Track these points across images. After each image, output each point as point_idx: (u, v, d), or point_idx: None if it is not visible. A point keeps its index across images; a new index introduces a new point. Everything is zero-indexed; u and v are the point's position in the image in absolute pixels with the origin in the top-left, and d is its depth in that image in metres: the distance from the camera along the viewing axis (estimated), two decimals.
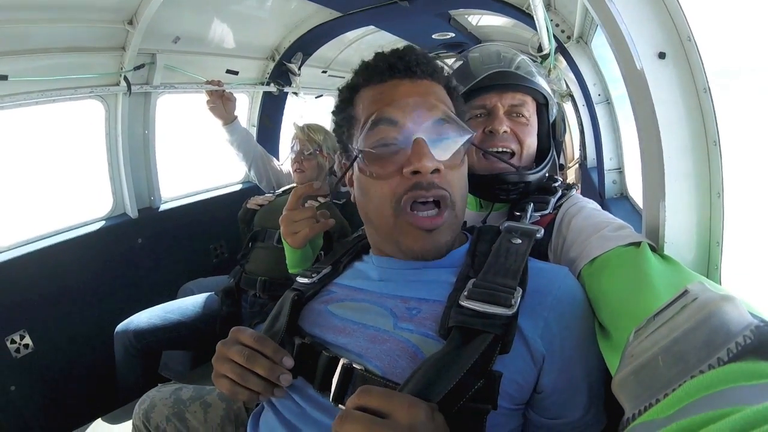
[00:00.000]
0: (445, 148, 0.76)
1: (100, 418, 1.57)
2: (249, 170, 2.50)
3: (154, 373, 1.90)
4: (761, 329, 0.36)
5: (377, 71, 0.80)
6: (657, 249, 0.76)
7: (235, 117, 2.31)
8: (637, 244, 0.74)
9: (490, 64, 1.03)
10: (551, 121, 1.07)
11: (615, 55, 0.92)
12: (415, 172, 0.73)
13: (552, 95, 1.06)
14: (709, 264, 0.81)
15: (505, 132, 0.98)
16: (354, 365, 0.66)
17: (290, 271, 1.11)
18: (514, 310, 0.64)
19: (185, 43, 2.25)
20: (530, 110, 1.02)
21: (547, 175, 1.05)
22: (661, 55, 0.81)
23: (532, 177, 0.99)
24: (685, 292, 0.44)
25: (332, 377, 0.67)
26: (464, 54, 1.11)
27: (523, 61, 1.05)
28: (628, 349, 0.45)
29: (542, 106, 1.05)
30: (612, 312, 0.66)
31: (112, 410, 1.62)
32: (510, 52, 1.08)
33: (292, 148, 2.07)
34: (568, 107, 3.12)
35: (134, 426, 1.05)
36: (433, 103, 0.76)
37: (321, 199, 1.93)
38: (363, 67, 0.84)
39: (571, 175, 3.66)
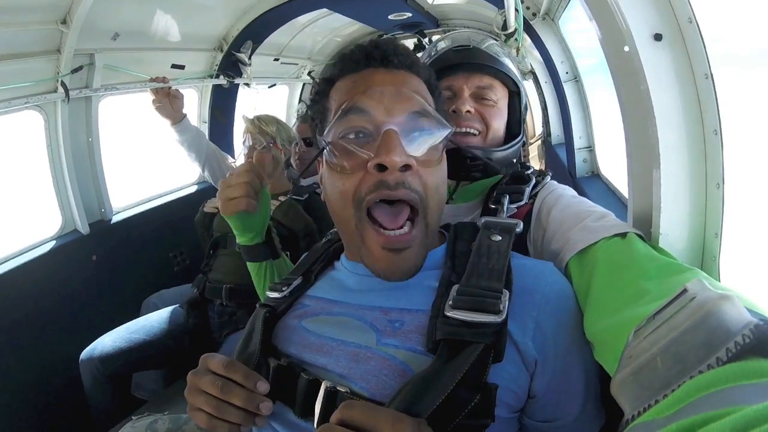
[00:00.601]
0: (420, 142, 0.70)
1: None
2: (203, 170, 2.40)
3: (127, 395, 1.81)
4: (760, 328, 0.36)
5: (353, 60, 0.76)
6: (644, 239, 0.74)
7: (184, 115, 2.21)
8: (623, 235, 0.73)
9: (459, 45, 1.04)
10: (524, 111, 1.07)
11: (599, 34, 0.88)
12: (382, 168, 0.66)
13: (521, 82, 1.06)
14: (704, 255, 0.80)
15: (468, 112, 0.98)
16: (338, 388, 0.61)
17: (240, 241, 1.04)
18: (504, 316, 0.61)
19: (125, 40, 2.09)
20: (498, 94, 1.01)
21: (517, 162, 1.06)
22: (657, 37, 0.77)
23: (495, 154, 0.98)
24: (684, 291, 0.43)
25: (314, 401, 0.62)
26: (435, 40, 1.12)
27: (492, 44, 1.05)
28: (627, 349, 0.45)
29: (514, 94, 1.05)
30: (607, 317, 0.63)
31: None
32: (480, 35, 1.08)
33: (244, 143, 1.95)
34: (528, 84, 3.13)
35: None
36: (408, 94, 0.71)
37: (281, 198, 1.88)
38: (339, 58, 0.80)
39: (534, 152, 3.72)
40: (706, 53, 0.75)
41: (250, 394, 0.64)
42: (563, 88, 2.31)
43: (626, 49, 0.79)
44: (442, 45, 1.07)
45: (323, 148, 0.74)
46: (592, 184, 2.14)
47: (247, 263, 1.09)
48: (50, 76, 1.86)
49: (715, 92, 0.75)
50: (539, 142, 3.36)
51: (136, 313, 1.99)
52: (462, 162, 0.95)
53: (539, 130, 3.50)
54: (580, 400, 0.66)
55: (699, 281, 0.43)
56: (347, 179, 0.69)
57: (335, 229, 0.89)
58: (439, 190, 0.73)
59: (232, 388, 0.64)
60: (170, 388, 1.86)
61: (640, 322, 0.46)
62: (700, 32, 0.74)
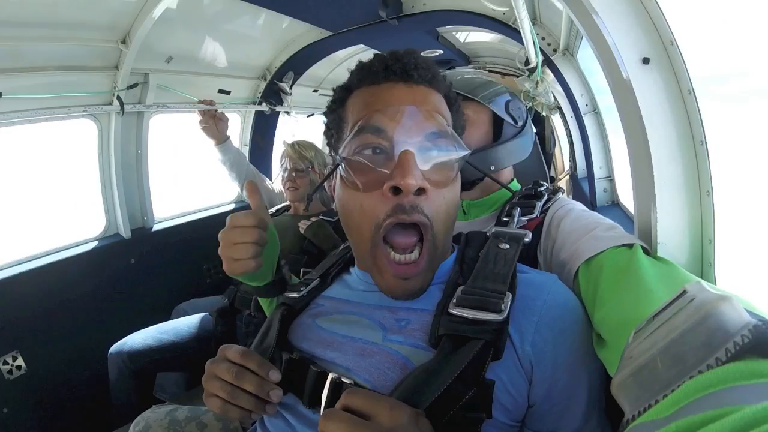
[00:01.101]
0: (437, 164, 0.70)
1: None
2: (241, 190, 2.49)
3: (149, 394, 1.88)
4: (759, 328, 0.36)
5: (372, 71, 0.74)
6: (650, 251, 0.76)
7: (228, 137, 2.32)
8: (630, 246, 0.74)
9: None
10: (513, 118, 1.12)
11: (600, 63, 0.94)
12: (397, 190, 0.66)
13: (493, 95, 1.12)
14: (702, 262, 0.82)
15: None
16: (343, 379, 0.65)
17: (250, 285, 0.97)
18: (505, 315, 0.63)
19: (178, 63, 2.27)
20: (467, 112, 1.04)
21: (500, 166, 1.09)
22: (645, 60, 0.83)
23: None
24: (683, 292, 0.44)
25: (321, 392, 0.65)
26: None
27: (459, 77, 1.12)
28: (626, 350, 0.45)
29: (497, 115, 1.10)
30: (610, 318, 0.65)
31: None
32: (460, 72, 1.15)
33: (282, 165, 2.08)
34: (556, 120, 3.17)
35: None
36: (428, 112, 0.70)
37: (313, 218, 1.94)
38: (359, 67, 0.78)
39: (563, 186, 3.69)
40: (688, 72, 0.80)
41: (262, 381, 0.68)
42: (584, 121, 2.34)
43: (622, 74, 0.85)
44: None
45: (338, 164, 0.73)
46: (611, 212, 2.13)
47: (260, 300, 1.07)
48: (107, 90, 2.02)
49: (698, 106, 0.80)
50: (567, 177, 3.36)
51: (167, 318, 2.09)
52: None
53: (567, 165, 3.50)
54: (582, 412, 0.66)
55: (698, 283, 0.44)
56: (364, 198, 0.69)
57: None
58: (450, 213, 0.72)
59: (245, 375, 0.68)
60: (191, 391, 1.93)
61: (640, 323, 0.46)
62: (680, 53, 0.80)
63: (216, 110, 2.24)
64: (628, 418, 0.40)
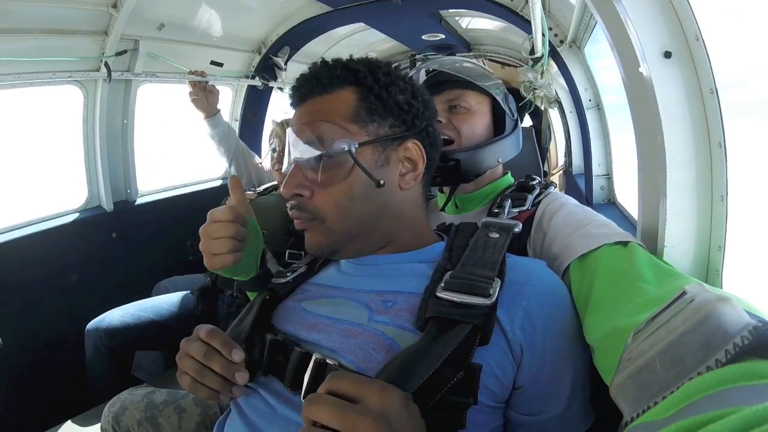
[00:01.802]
0: (317, 167, 0.75)
1: (70, 420, 1.51)
2: (229, 166, 2.43)
3: (127, 373, 1.84)
4: (759, 329, 0.36)
5: (291, 97, 0.83)
6: (647, 249, 0.74)
7: (218, 110, 2.25)
8: (624, 243, 0.74)
9: (429, 71, 1.18)
10: (511, 110, 1.16)
11: (615, 54, 0.91)
12: None
13: (494, 88, 1.13)
14: (708, 269, 0.80)
15: (439, 121, 1.06)
16: (327, 360, 0.64)
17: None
18: (493, 299, 0.63)
19: (169, 31, 2.18)
20: (470, 101, 1.11)
21: (503, 158, 1.12)
22: (667, 54, 0.80)
23: (467, 153, 1.05)
24: (683, 293, 0.44)
25: (304, 374, 0.64)
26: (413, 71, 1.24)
27: (457, 64, 1.16)
28: (626, 352, 0.45)
29: (496, 101, 1.13)
30: (607, 322, 0.63)
31: (82, 411, 1.55)
32: (448, 60, 1.19)
33: (270, 145, 1.96)
34: (554, 114, 3.15)
35: (103, 429, 1.01)
36: (305, 124, 0.76)
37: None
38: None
39: (555, 182, 3.69)
40: (712, 69, 0.77)
41: (229, 362, 0.67)
42: (585, 115, 2.33)
43: (640, 67, 0.81)
44: (419, 76, 1.20)
45: None
46: (607, 211, 2.13)
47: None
48: (95, 56, 1.94)
49: (720, 106, 0.77)
50: (560, 173, 3.35)
51: (147, 295, 2.03)
52: (440, 168, 1.01)
53: (561, 160, 3.49)
54: (566, 396, 0.67)
55: (698, 284, 0.44)
56: None
57: None
58: (342, 204, 0.75)
59: (213, 355, 0.67)
60: (169, 371, 1.88)
61: (639, 325, 0.46)
62: (706, 49, 0.77)
63: (207, 82, 2.18)
64: (627, 419, 0.40)
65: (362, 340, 0.66)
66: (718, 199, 0.78)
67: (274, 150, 1.95)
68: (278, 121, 1.96)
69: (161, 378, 1.80)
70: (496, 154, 1.09)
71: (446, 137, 1.07)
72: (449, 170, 1.04)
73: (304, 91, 0.78)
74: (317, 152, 0.74)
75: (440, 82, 1.12)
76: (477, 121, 1.11)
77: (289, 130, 0.79)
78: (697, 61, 0.78)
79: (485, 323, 0.61)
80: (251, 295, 1.02)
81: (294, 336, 0.73)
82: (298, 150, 0.76)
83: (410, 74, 1.10)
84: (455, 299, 0.64)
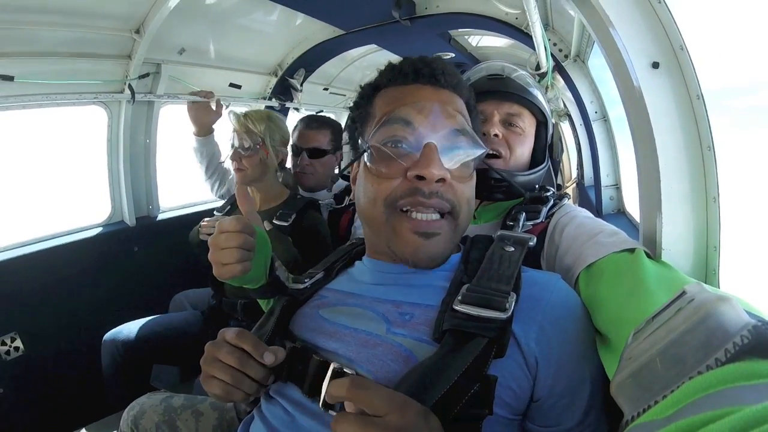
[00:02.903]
0: (457, 158, 0.75)
1: (85, 428, 1.54)
2: (212, 189, 2.27)
3: (143, 383, 1.85)
4: (759, 329, 0.36)
5: (402, 73, 0.80)
6: (652, 256, 0.76)
7: (213, 130, 2.13)
8: (632, 250, 0.75)
9: (493, 73, 1.11)
10: (549, 139, 1.12)
11: (610, 67, 0.95)
12: (420, 178, 0.71)
13: (549, 113, 1.10)
14: (707, 269, 0.82)
15: (495, 135, 1.03)
16: (345, 369, 0.65)
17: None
18: (509, 314, 0.63)
19: (190, 55, 2.28)
20: (526, 122, 1.07)
21: (538, 187, 1.08)
22: (655, 65, 0.84)
23: (518, 178, 1.02)
24: (683, 293, 0.44)
25: (322, 382, 0.65)
26: (473, 67, 1.18)
27: (523, 75, 1.11)
28: (626, 351, 0.45)
29: (541, 124, 1.10)
30: (610, 317, 0.65)
31: (100, 418, 1.59)
32: (512, 67, 1.13)
33: (230, 141, 1.72)
34: (565, 127, 3.16)
35: None
36: (451, 111, 0.76)
37: (275, 221, 1.69)
38: (389, 68, 0.83)
39: (569, 193, 3.66)
40: (697, 76, 0.80)
41: (262, 366, 0.69)
42: (592, 128, 2.34)
43: (632, 78, 0.85)
44: (477, 73, 1.14)
45: (364, 151, 0.78)
46: (617, 220, 2.12)
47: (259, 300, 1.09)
48: (119, 78, 2.03)
49: (707, 111, 0.80)
50: (574, 185, 3.35)
51: (165, 307, 2.09)
52: (486, 182, 1.00)
53: (574, 173, 3.49)
54: (583, 407, 0.66)
55: (698, 284, 0.44)
56: (382, 183, 0.74)
57: (358, 236, 0.92)
58: (470, 202, 0.78)
59: (248, 360, 0.68)
60: (186, 384, 1.93)
61: (639, 324, 0.46)
62: (690, 58, 0.80)
63: (218, 101, 2.13)
64: (628, 418, 0.40)
65: (380, 351, 0.67)
66: (711, 201, 0.81)
67: (233, 146, 1.72)
68: (237, 112, 1.74)
69: (179, 389, 1.82)
70: (538, 181, 1.08)
71: (497, 153, 1.05)
72: (497, 188, 1.03)
73: (438, 76, 0.79)
74: (465, 145, 0.76)
75: (504, 91, 1.06)
76: (527, 145, 1.08)
77: (430, 105, 0.75)
78: (684, 69, 0.82)
79: (501, 336, 0.62)
80: (263, 306, 1.03)
81: (312, 344, 0.74)
82: (442, 134, 0.74)
83: (468, 73, 1.10)
84: (472, 312, 0.65)
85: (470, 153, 0.76)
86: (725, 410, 0.31)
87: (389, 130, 0.74)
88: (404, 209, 0.74)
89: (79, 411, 1.91)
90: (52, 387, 1.97)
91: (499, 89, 1.06)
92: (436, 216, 0.73)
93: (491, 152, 1.03)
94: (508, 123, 1.06)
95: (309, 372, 0.68)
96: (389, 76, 0.82)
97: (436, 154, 0.71)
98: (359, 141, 0.83)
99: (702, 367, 0.36)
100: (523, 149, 1.07)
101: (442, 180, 0.72)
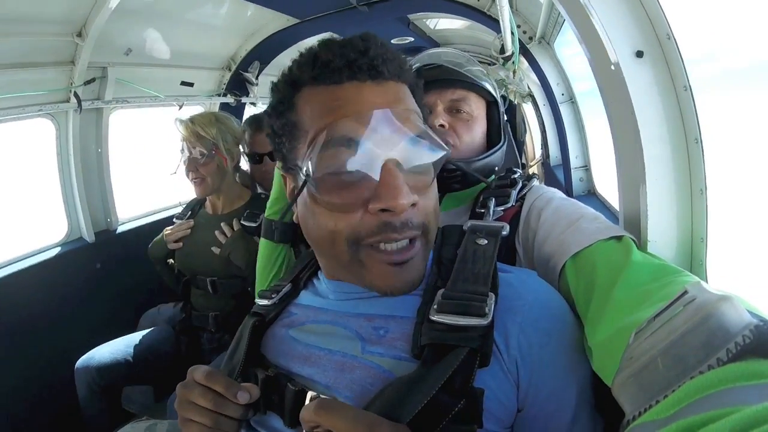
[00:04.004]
0: (423, 172, 0.63)
1: None
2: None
3: (118, 407, 1.79)
4: (760, 329, 0.36)
5: (331, 69, 0.61)
6: (638, 243, 0.75)
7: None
8: (618, 238, 0.73)
9: (429, 62, 1.05)
10: (505, 118, 1.09)
11: (588, 56, 0.92)
12: (387, 209, 0.59)
13: (496, 91, 1.07)
14: (692, 260, 0.82)
15: (441, 126, 0.99)
16: (322, 397, 0.59)
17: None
18: (489, 319, 0.58)
19: (137, 55, 2.15)
20: (473, 106, 1.03)
21: (505, 169, 1.06)
22: (639, 54, 0.82)
23: (473, 164, 0.99)
24: (684, 293, 0.43)
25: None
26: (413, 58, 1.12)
27: (462, 57, 1.07)
28: (627, 351, 0.45)
29: (491, 104, 1.07)
30: (608, 315, 0.62)
31: None
32: (453, 52, 1.09)
33: (181, 152, 1.62)
34: (528, 107, 3.19)
35: None
36: (403, 113, 0.61)
37: (232, 226, 1.64)
38: (310, 58, 0.64)
39: (537, 173, 3.75)
40: (684, 67, 0.79)
41: (240, 406, 0.63)
42: (560, 110, 2.36)
43: (612, 67, 0.83)
44: (418, 57, 1.09)
45: (304, 183, 0.63)
46: (588, 202, 2.16)
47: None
48: (63, 87, 1.90)
49: (694, 103, 0.79)
50: (539, 164, 3.40)
51: (134, 324, 2.00)
52: (440, 174, 0.96)
53: (538, 152, 3.55)
54: (572, 414, 0.62)
55: (698, 283, 0.44)
56: (339, 219, 0.61)
57: None
58: (437, 209, 0.68)
59: (223, 401, 0.63)
60: (160, 404, 1.84)
61: (641, 324, 0.46)
62: (677, 47, 0.79)
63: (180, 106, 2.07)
64: (629, 418, 0.40)
65: (358, 375, 0.62)
66: (698, 193, 0.80)
67: (183, 155, 1.62)
68: (183, 120, 1.62)
69: (152, 410, 1.78)
70: (497, 163, 1.05)
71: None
72: (452, 180, 0.99)
73: (377, 68, 0.62)
74: (427, 151, 0.63)
75: (441, 78, 1.01)
76: (477, 129, 1.04)
77: (379, 114, 0.59)
78: (669, 59, 0.81)
79: (483, 344, 0.57)
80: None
81: (286, 370, 0.69)
82: (402, 146, 0.60)
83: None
84: (450, 322, 0.59)
85: (435, 159, 0.64)
86: (726, 410, 0.31)
87: (331, 157, 0.59)
88: (372, 244, 0.62)
89: None
90: (26, 421, 1.86)
91: (437, 78, 1.01)
92: (404, 243, 0.62)
93: None
94: (454, 110, 1.02)
95: (287, 403, 0.64)
96: (313, 72, 0.62)
97: (400, 177, 0.58)
98: (293, 163, 0.66)
99: (703, 366, 0.36)
100: (473, 134, 1.03)
101: (413, 205, 0.60)
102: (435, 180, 0.67)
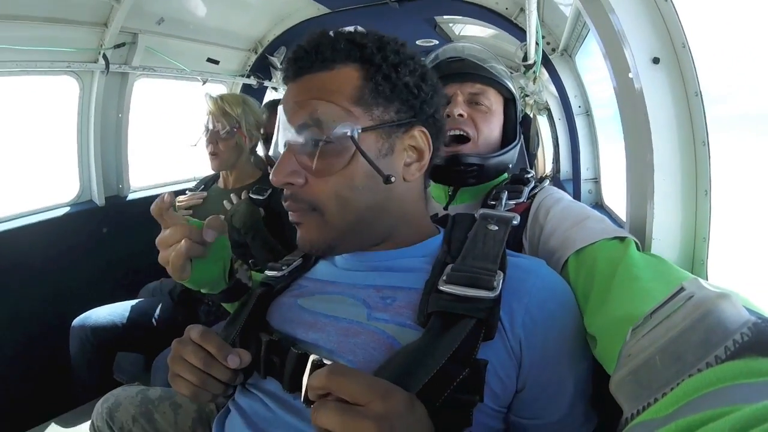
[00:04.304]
0: (310, 154, 0.66)
1: (53, 421, 1.47)
2: None
3: (110, 375, 1.79)
4: (759, 326, 0.35)
5: (284, 74, 0.72)
6: (640, 246, 0.76)
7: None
8: (621, 239, 0.75)
9: (453, 54, 1.08)
10: (518, 116, 1.11)
11: (608, 62, 0.96)
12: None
13: (514, 89, 1.09)
14: (694, 259, 0.85)
15: (460, 115, 1.01)
16: (324, 361, 0.60)
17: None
18: (497, 292, 0.60)
19: (169, 26, 2.17)
20: (491, 100, 1.05)
21: (519, 168, 1.08)
22: (656, 60, 0.85)
23: (490, 160, 1.01)
24: (681, 289, 0.43)
25: (302, 376, 0.61)
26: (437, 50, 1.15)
27: (484, 53, 1.09)
28: (625, 348, 0.45)
29: (509, 101, 1.09)
30: (605, 311, 0.64)
31: (69, 409, 1.52)
32: (478, 48, 1.11)
33: (205, 126, 1.70)
34: (542, 121, 3.21)
35: (94, 426, 0.97)
36: (302, 103, 0.67)
37: (241, 195, 1.71)
38: (286, 62, 0.73)
39: (549, 175, 3.74)
40: (696, 73, 0.82)
41: (229, 370, 0.66)
42: (575, 121, 2.37)
43: (630, 73, 0.86)
44: (436, 57, 1.12)
45: None
46: None
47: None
48: (93, 47, 1.92)
49: (704, 108, 0.82)
50: (549, 179, 3.41)
51: (134, 293, 2.00)
52: (457, 168, 0.98)
53: (549, 167, 3.55)
54: (568, 398, 0.64)
55: (696, 280, 0.43)
56: None
57: None
58: (340, 195, 0.68)
59: (213, 362, 0.65)
60: (149, 374, 1.87)
61: (638, 321, 0.46)
62: (691, 55, 0.82)
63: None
64: (627, 416, 0.39)
65: (362, 339, 0.63)
66: (702, 194, 0.83)
67: (207, 129, 1.71)
68: (213, 96, 1.72)
69: (141, 380, 1.74)
70: (511, 161, 1.07)
71: (464, 134, 1.01)
72: (468, 174, 1.01)
73: (301, 65, 0.68)
74: (314, 136, 0.66)
75: (463, 72, 1.04)
76: (495, 123, 1.06)
77: (280, 109, 0.70)
78: (683, 66, 0.84)
79: (490, 317, 0.58)
80: (229, 309, 0.95)
81: (291, 335, 0.70)
82: (291, 132, 0.67)
83: (427, 59, 1.03)
84: (458, 292, 0.61)
85: (328, 144, 0.66)
86: (725, 409, 0.30)
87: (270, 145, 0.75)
88: None
89: (45, 403, 1.81)
90: (16, 378, 1.86)
91: (459, 71, 1.04)
92: (294, 207, 0.71)
93: (459, 133, 1.01)
94: (472, 102, 1.04)
95: (287, 366, 0.65)
96: (283, 75, 0.74)
97: (284, 160, 0.67)
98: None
99: (702, 364, 0.35)
100: (492, 127, 1.04)
101: (290, 185, 0.68)
102: (351, 164, 0.67)
